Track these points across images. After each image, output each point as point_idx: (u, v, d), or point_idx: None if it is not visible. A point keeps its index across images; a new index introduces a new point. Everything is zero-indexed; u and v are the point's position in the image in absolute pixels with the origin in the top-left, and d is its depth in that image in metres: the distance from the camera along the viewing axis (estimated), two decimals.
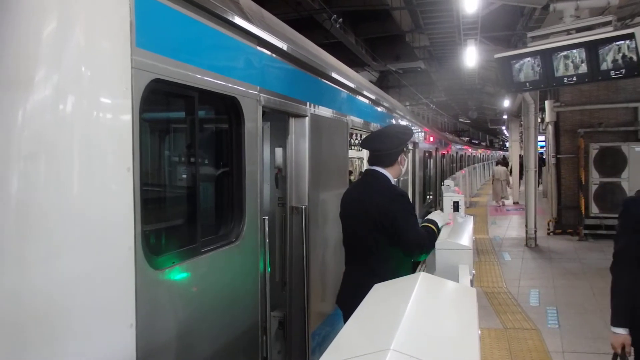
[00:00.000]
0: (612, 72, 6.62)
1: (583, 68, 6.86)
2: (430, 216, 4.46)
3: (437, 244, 3.75)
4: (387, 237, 4.03)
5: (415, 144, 12.30)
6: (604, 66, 6.65)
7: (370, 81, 18.71)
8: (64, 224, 2.25)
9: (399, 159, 4.31)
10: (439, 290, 2.47)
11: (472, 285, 3.16)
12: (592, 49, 6.71)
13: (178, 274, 2.91)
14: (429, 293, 2.30)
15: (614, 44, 6.54)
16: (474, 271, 3.71)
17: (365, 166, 4.86)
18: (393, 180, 4.34)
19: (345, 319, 4.27)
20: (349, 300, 4.21)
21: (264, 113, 3.92)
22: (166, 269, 2.79)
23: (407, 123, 11.70)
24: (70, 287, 2.25)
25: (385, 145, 4.29)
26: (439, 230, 4.25)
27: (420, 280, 2.33)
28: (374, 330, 1.88)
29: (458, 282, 3.03)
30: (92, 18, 2.37)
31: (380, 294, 2.38)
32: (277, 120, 5.00)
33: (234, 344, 3.51)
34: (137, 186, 2.51)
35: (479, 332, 2.06)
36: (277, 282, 5.17)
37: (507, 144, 38.25)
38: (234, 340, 3.51)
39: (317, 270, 5.14)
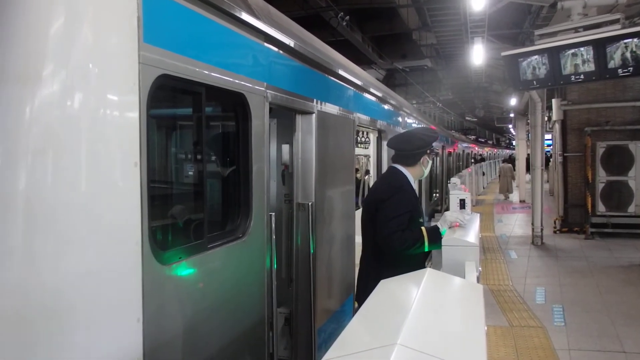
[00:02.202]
0: (619, 70, 6.58)
1: (590, 66, 6.83)
2: (439, 221, 4.37)
3: (444, 240, 3.75)
4: None
5: None
6: (611, 64, 6.61)
7: (377, 79, 18.66)
8: (72, 219, 2.26)
9: (422, 160, 4.51)
10: (446, 286, 2.47)
11: (478, 281, 3.16)
12: (600, 47, 6.67)
13: (185, 269, 2.91)
14: (436, 289, 2.30)
15: (621, 42, 6.50)
16: (480, 268, 3.70)
17: (371, 164, 4.98)
18: (412, 180, 4.49)
19: None
20: (359, 291, 4.58)
21: (270, 109, 3.92)
22: (173, 264, 2.80)
23: (413, 121, 11.68)
24: (78, 282, 2.26)
25: (408, 145, 4.50)
26: (434, 234, 4.14)
27: (427, 276, 2.33)
28: (380, 325, 1.88)
29: (464, 278, 3.02)
30: (100, 13, 2.38)
31: (387, 289, 2.38)
32: (284, 117, 5.00)
33: (240, 339, 3.52)
34: (145, 181, 2.51)
35: (486, 328, 2.06)
36: (283, 279, 5.18)
37: (514, 143, 38.28)
38: (240, 335, 3.51)
39: (324, 266, 5.14)
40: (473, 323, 1.95)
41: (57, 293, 2.21)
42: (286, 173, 5.36)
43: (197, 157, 3.30)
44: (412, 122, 11.35)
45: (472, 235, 3.85)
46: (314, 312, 4.85)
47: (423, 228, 4.21)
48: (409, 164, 4.50)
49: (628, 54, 6.45)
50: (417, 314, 1.82)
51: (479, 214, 5.23)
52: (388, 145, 4.73)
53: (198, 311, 3.03)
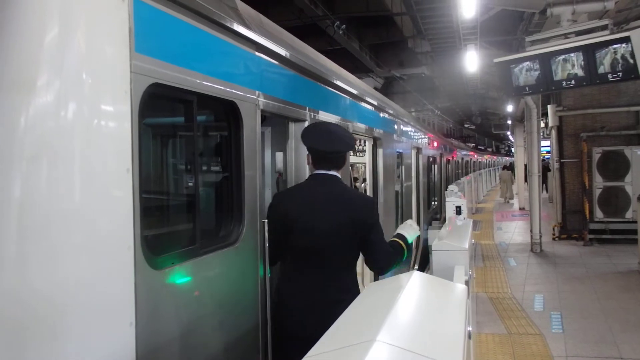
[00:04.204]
0: (609, 76, 6.65)
1: (581, 72, 6.90)
2: (399, 229, 3.99)
3: (435, 245, 3.78)
4: (357, 249, 3.74)
5: (419, 150, 12.33)
6: (601, 69, 6.67)
7: (375, 88, 18.72)
8: (65, 224, 2.29)
9: (346, 161, 3.91)
10: (430, 287, 2.51)
11: (467, 285, 3.19)
12: (589, 52, 6.74)
13: (177, 274, 2.95)
14: (420, 290, 2.35)
15: (610, 47, 6.57)
16: (470, 272, 3.74)
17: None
18: None
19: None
20: (308, 317, 3.66)
21: (263, 118, 3.96)
22: (166, 269, 2.83)
23: (411, 129, 11.74)
24: (71, 287, 2.29)
25: (344, 146, 3.78)
26: (408, 244, 3.86)
27: (413, 278, 2.38)
28: (364, 323, 1.93)
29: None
30: (92, 23, 2.44)
31: (374, 290, 2.43)
32: (278, 125, 5.03)
33: (233, 345, 3.54)
34: (137, 187, 2.55)
35: (469, 328, 2.11)
36: None
37: (513, 150, 38.47)
38: (233, 341, 3.54)
39: None
40: (453, 321, 2.00)
41: (50, 298, 2.24)
42: (281, 181, 5.39)
43: (190, 164, 3.34)
44: (409, 130, 11.41)
45: (463, 240, 3.90)
46: None
47: (398, 240, 3.82)
48: (340, 167, 3.81)
49: (617, 59, 6.51)
50: (399, 312, 1.87)
51: (472, 220, 5.28)
52: (311, 144, 3.80)
53: (191, 316, 3.06)
